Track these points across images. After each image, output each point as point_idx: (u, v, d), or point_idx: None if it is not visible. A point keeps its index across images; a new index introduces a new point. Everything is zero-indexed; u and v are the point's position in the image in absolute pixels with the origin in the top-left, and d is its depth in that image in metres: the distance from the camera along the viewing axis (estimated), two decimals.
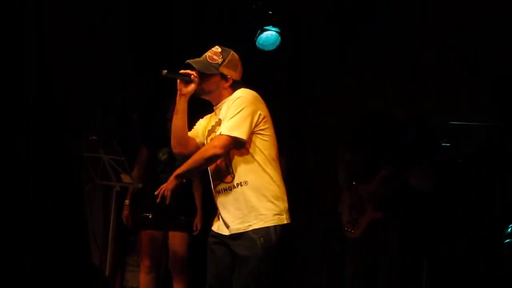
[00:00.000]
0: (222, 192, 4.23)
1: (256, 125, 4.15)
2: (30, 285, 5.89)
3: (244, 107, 4.12)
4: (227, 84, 4.27)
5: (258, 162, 4.16)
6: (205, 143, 4.33)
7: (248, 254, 4.10)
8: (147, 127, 6.98)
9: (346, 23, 6.75)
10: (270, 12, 6.46)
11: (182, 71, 4.23)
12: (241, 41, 6.74)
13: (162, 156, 6.15)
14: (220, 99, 4.29)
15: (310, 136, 7.02)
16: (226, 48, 4.31)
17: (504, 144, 6.03)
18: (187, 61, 4.24)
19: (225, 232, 4.21)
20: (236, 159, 4.17)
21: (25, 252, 6.11)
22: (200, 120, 4.48)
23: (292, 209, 4.25)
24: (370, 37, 6.66)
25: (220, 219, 4.25)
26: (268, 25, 6.50)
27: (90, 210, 6.82)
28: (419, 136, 5.83)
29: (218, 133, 4.15)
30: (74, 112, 6.95)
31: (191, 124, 4.41)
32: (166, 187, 4.23)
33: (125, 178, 6.04)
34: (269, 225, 4.12)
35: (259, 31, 6.51)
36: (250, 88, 4.24)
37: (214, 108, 4.36)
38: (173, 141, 4.35)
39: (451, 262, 6.08)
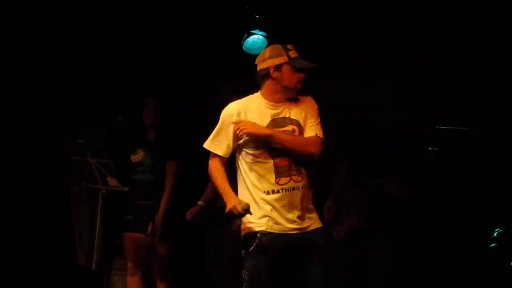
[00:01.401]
0: (289, 190, 4.32)
1: None
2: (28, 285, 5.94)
3: None
4: (278, 72, 4.49)
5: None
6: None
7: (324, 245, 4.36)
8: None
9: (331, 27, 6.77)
10: (257, 16, 6.46)
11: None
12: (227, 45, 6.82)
13: (135, 157, 6.27)
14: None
15: None
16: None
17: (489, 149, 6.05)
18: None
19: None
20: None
21: (24, 251, 6.15)
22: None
23: None
24: (355, 42, 6.68)
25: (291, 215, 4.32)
26: (255, 29, 6.51)
27: (77, 212, 6.81)
28: (401, 143, 5.83)
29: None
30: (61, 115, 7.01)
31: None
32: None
33: (111, 182, 6.07)
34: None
35: (245, 35, 6.52)
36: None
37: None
38: None
39: (437, 267, 6.08)
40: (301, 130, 4.36)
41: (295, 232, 4.29)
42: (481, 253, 5.71)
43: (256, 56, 6.49)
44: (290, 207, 4.29)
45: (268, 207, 4.31)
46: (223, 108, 4.92)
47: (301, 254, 4.30)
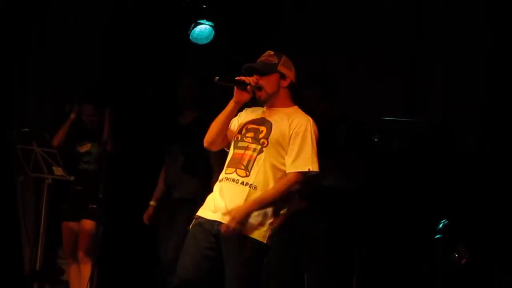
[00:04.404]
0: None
1: None
2: None
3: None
4: (286, 83, 4.37)
5: None
6: (239, 137, 4.34)
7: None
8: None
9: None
10: (204, 6, 6.45)
11: (238, 77, 4.23)
12: (175, 35, 6.80)
13: (82, 148, 6.34)
14: (278, 101, 4.38)
15: None
16: (277, 51, 4.43)
17: (439, 141, 6.13)
18: (246, 65, 4.32)
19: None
20: None
21: None
22: (241, 113, 4.46)
23: None
24: (302, 33, 6.72)
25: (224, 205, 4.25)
26: (202, 18, 6.49)
27: (22, 202, 6.79)
28: (350, 131, 5.86)
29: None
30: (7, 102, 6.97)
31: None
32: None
33: (57, 171, 6.06)
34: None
35: (193, 24, 6.49)
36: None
37: (266, 108, 4.41)
38: (208, 138, 4.39)
39: (383, 257, 6.14)
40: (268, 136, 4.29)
41: (216, 221, 4.24)
42: (426, 243, 5.78)
43: (203, 46, 6.60)
44: (221, 196, 4.27)
45: (212, 194, 4.36)
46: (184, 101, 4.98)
47: (219, 245, 4.26)
